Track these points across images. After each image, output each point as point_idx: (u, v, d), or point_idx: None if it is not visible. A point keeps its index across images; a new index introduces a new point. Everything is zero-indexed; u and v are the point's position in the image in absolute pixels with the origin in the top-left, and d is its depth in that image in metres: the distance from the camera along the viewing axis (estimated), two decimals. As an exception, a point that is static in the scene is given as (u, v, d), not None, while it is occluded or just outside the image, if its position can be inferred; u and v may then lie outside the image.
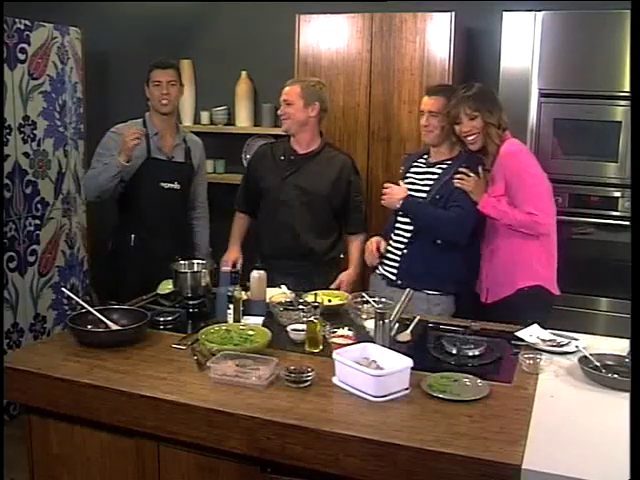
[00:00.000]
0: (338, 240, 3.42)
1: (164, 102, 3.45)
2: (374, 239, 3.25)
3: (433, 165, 3.14)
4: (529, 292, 2.94)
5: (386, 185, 3.15)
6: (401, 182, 3.17)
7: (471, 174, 2.98)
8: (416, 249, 3.09)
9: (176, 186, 3.50)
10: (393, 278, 3.14)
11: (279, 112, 3.33)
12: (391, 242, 3.20)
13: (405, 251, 3.11)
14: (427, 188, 3.10)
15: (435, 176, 3.11)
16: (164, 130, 3.53)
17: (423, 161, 3.20)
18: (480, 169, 2.99)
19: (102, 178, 3.33)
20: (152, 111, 3.53)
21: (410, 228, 3.11)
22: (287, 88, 3.28)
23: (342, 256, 3.45)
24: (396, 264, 3.14)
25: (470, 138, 2.96)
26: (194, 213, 3.71)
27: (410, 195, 3.10)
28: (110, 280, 3.57)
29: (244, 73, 4.43)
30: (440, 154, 3.13)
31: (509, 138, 2.99)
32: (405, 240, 3.12)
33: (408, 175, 3.20)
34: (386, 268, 3.19)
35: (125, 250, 3.48)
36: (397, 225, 3.17)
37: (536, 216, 2.87)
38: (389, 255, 3.19)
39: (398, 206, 3.08)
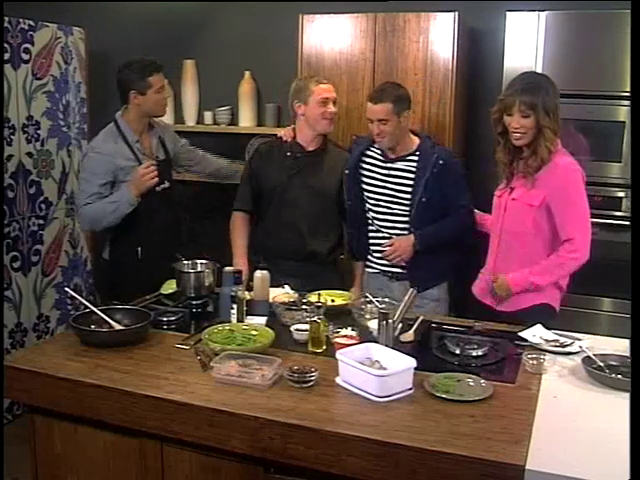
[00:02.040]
0: (339, 241, 3.41)
1: (165, 107, 3.35)
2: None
3: (394, 161, 3.16)
4: (533, 309, 2.80)
5: (389, 243, 3.14)
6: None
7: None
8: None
9: (167, 184, 3.37)
10: (398, 272, 3.18)
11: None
12: (379, 241, 3.21)
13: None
14: (394, 186, 3.13)
15: (403, 174, 3.13)
16: (141, 131, 3.34)
17: (379, 155, 3.21)
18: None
19: (113, 217, 3.19)
20: (133, 115, 3.28)
21: (398, 221, 3.14)
22: (329, 86, 3.25)
23: (342, 256, 3.45)
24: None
25: (517, 135, 2.72)
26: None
27: (367, 190, 3.19)
28: (112, 290, 3.38)
29: (247, 73, 4.43)
30: (398, 150, 3.15)
31: (561, 148, 2.79)
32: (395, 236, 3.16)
33: (364, 168, 3.22)
34: (387, 266, 3.22)
35: (132, 262, 3.30)
36: (377, 223, 3.21)
37: (573, 246, 2.69)
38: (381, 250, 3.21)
39: (416, 248, 3.10)
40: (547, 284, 2.78)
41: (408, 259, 3.13)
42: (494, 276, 2.85)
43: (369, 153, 3.24)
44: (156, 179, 3.18)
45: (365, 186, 3.22)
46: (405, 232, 3.14)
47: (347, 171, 3.25)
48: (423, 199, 3.07)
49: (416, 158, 3.13)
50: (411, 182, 3.11)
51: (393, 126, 3.04)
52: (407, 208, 3.12)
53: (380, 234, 3.21)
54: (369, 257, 3.29)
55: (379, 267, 3.25)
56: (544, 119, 2.67)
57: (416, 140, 3.17)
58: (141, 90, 3.22)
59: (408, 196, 3.11)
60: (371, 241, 3.26)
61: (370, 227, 3.25)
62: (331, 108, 3.23)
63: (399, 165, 3.15)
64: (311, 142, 3.29)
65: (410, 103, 3.13)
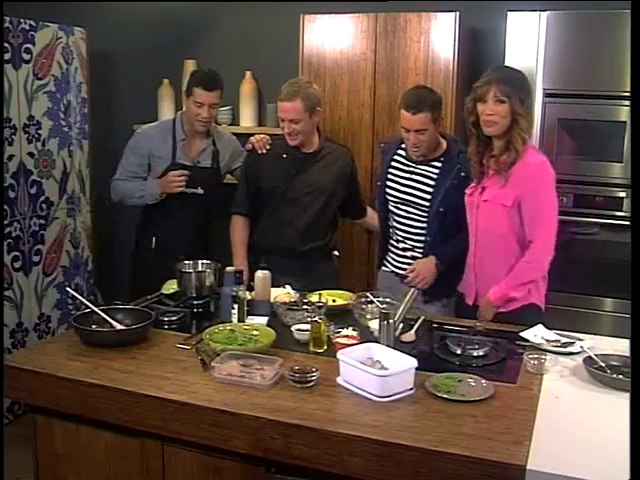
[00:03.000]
0: (333, 237, 3.42)
1: (202, 124, 3.42)
2: None
3: (417, 164, 3.08)
4: (520, 310, 2.76)
5: (411, 269, 3.05)
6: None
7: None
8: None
9: (199, 191, 3.48)
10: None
11: (286, 130, 3.16)
12: (395, 242, 3.19)
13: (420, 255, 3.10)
14: (413, 191, 3.06)
15: (424, 179, 3.05)
16: (192, 133, 3.50)
17: (403, 157, 3.14)
18: None
19: (139, 201, 3.51)
20: (186, 118, 3.50)
21: (414, 226, 3.10)
22: (287, 104, 3.11)
23: (337, 254, 3.46)
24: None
25: (489, 122, 2.67)
26: None
27: (389, 194, 3.14)
28: (130, 277, 3.67)
29: (248, 73, 4.43)
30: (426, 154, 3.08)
31: (532, 146, 2.77)
32: (415, 244, 3.12)
33: (391, 172, 3.15)
34: (399, 268, 3.18)
35: (146, 251, 3.52)
36: (394, 225, 3.17)
37: (538, 248, 2.68)
38: (399, 253, 3.17)
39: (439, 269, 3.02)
40: (525, 291, 2.75)
41: (433, 281, 3.03)
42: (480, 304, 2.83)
43: (396, 157, 3.17)
44: (181, 188, 3.38)
45: (388, 190, 3.16)
46: (418, 238, 3.09)
47: (379, 182, 3.21)
48: (440, 209, 3.00)
49: (439, 164, 3.04)
50: (430, 189, 3.03)
51: (431, 134, 2.95)
52: (424, 215, 3.05)
53: (395, 237, 3.18)
54: (386, 256, 3.27)
55: (391, 267, 3.23)
56: (519, 107, 2.64)
57: (443, 144, 3.07)
58: (187, 94, 3.44)
59: (426, 203, 3.04)
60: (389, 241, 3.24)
61: (389, 228, 3.22)
62: (286, 127, 3.15)
63: (422, 169, 3.06)
64: (305, 144, 3.26)
65: (442, 107, 3.04)
